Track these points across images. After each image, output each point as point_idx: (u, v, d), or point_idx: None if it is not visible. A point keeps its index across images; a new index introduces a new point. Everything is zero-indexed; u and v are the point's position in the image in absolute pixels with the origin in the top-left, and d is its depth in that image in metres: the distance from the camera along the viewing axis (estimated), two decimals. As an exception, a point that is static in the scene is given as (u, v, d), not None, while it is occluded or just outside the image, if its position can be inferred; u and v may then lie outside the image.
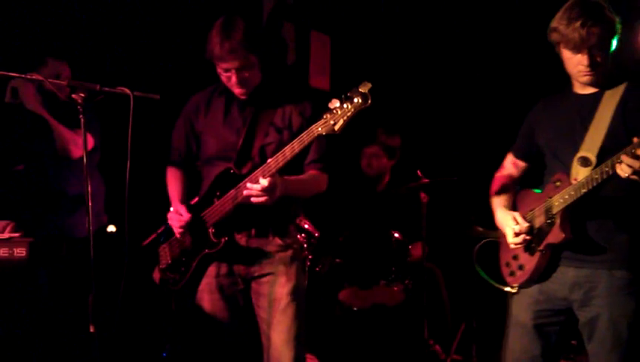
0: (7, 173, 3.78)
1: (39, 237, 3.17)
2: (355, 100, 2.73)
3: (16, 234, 3.17)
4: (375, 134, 5.21)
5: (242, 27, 3.03)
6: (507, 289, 2.97)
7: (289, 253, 3.19)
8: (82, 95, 2.78)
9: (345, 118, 2.75)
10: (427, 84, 5.90)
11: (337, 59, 6.00)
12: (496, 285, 3.02)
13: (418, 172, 4.79)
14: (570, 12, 2.70)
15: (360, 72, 5.48)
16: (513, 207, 3.02)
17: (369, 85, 2.74)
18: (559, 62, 2.82)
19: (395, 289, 4.71)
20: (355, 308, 4.77)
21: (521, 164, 3.12)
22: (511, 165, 3.14)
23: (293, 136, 2.96)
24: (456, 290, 5.14)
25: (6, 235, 3.16)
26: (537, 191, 2.96)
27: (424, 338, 4.68)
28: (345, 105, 2.74)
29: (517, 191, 3.07)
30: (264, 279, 3.17)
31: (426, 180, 4.73)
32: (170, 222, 3.22)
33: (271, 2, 5.66)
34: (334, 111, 2.77)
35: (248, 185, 2.95)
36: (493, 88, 5.65)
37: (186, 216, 3.15)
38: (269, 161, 2.97)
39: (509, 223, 2.89)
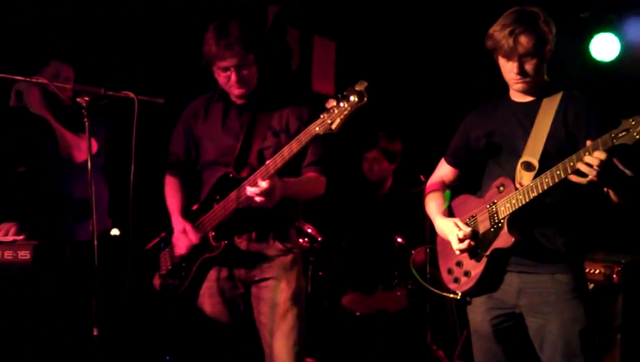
0: (10, 175, 3.79)
1: (44, 241, 3.17)
2: (352, 99, 2.73)
3: (20, 237, 3.18)
4: (376, 139, 5.21)
5: (237, 26, 3.05)
6: (451, 296, 2.96)
7: (289, 257, 3.20)
8: (87, 99, 2.79)
9: (342, 116, 2.76)
10: (430, 89, 5.90)
11: (342, 64, 6.01)
12: (437, 291, 3.04)
13: (421, 177, 4.79)
14: (505, 20, 2.75)
15: (365, 76, 5.50)
16: (450, 213, 3.03)
17: (365, 83, 2.74)
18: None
19: (398, 294, 4.70)
20: (358, 313, 4.77)
21: (454, 170, 3.13)
22: (443, 172, 3.16)
23: (291, 138, 2.97)
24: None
25: (10, 238, 3.16)
26: (475, 196, 2.96)
27: (427, 343, 4.67)
28: (342, 104, 2.75)
29: (453, 197, 3.08)
30: (264, 284, 3.17)
31: None
32: (176, 241, 3.21)
33: (275, 8, 5.67)
34: (331, 110, 2.77)
35: (248, 188, 2.95)
36: (497, 94, 5.65)
37: (194, 239, 3.15)
38: (267, 162, 2.98)
39: (452, 229, 2.88)
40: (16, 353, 3.36)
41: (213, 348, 3.22)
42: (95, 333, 2.74)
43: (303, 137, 2.88)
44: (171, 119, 3.45)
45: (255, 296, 3.20)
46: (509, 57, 2.75)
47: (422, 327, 4.69)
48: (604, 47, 5.11)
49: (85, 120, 2.80)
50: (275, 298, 3.15)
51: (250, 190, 2.94)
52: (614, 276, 4.19)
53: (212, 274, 3.21)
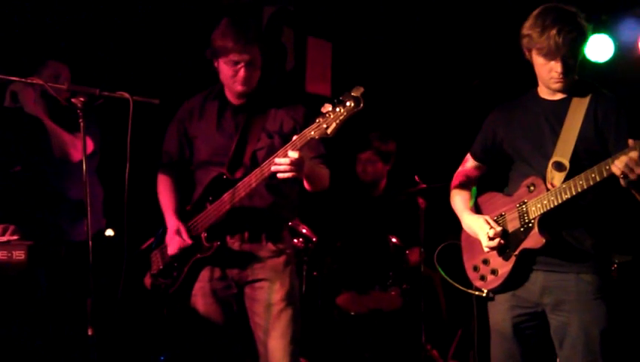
0: (6, 175, 3.78)
1: (38, 241, 3.17)
2: (348, 104, 2.74)
3: (15, 237, 3.18)
4: (369, 140, 5.21)
5: (254, 24, 3.07)
6: (476, 293, 2.96)
7: (282, 258, 3.20)
8: (82, 99, 2.79)
9: (337, 121, 2.76)
10: (426, 89, 5.92)
11: (338, 65, 6.02)
12: (463, 289, 3.02)
13: (416, 177, 4.80)
14: (544, 19, 2.72)
15: (360, 77, 5.51)
16: (477, 209, 3.02)
17: (361, 89, 2.75)
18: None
19: (393, 294, 4.71)
20: (352, 313, 4.78)
21: (480, 166, 3.12)
22: (469, 167, 3.14)
23: (285, 141, 2.97)
24: (453, 295, 5.15)
25: (5, 238, 3.16)
26: (503, 194, 2.95)
27: (421, 343, 4.68)
28: (337, 109, 2.76)
29: (480, 194, 3.07)
30: (258, 284, 3.17)
31: (424, 185, 4.74)
32: (169, 241, 3.21)
33: (271, 8, 5.68)
34: (327, 115, 2.78)
35: (277, 160, 2.90)
36: (492, 95, 5.66)
37: (187, 241, 3.14)
38: (262, 166, 2.97)
39: (483, 227, 2.88)
40: (11, 353, 3.36)
41: (207, 348, 3.22)
42: (90, 333, 2.74)
43: (299, 141, 2.88)
44: (167, 120, 3.45)
45: (249, 296, 3.20)
46: (550, 57, 2.72)
47: (416, 327, 4.70)
48: (598, 48, 5.13)
49: (80, 120, 2.80)
50: (270, 298, 3.15)
51: (279, 162, 2.88)
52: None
53: (205, 274, 3.21)
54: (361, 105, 2.73)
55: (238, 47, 3.04)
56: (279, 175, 2.91)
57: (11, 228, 3.29)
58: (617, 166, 2.52)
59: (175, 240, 3.17)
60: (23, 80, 2.98)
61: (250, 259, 3.17)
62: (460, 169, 3.16)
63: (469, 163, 3.14)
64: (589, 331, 2.73)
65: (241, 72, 3.09)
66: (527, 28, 2.77)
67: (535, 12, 2.78)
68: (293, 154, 2.86)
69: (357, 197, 5.26)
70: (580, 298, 2.74)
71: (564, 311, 2.77)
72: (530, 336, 2.88)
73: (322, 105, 2.82)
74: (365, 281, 4.76)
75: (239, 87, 3.15)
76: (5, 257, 2.94)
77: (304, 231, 4.61)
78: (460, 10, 5.49)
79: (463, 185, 3.10)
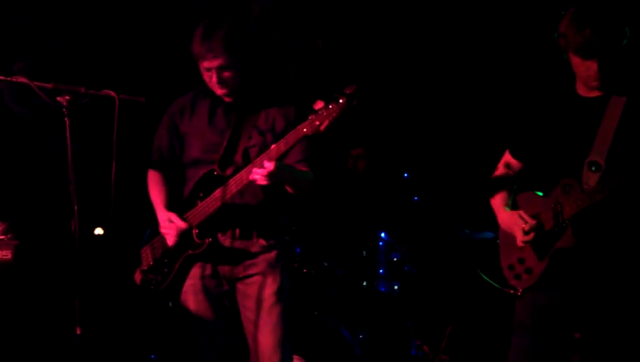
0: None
1: (26, 240, 3.16)
2: (341, 101, 2.74)
3: (2, 237, 3.17)
4: (361, 136, 5.21)
5: (226, 28, 3.05)
6: (511, 291, 2.94)
7: (273, 253, 3.21)
8: (67, 98, 2.78)
9: (330, 118, 2.77)
10: (418, 85, 5.92)
11: (327, 61, 6.01)
12: (500, 287, 2.99)
13: (404, 173, 4.81)
14: (580, 18, 2.67)
15: (350, 72, 5.52)
16: (515, 208, 3.00)
17: (354, 87, 2.75)
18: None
19: (383, 290, 4.72)
20: (342, 310, 4.78)
21: (518, 164, 3.08)
22: (508, 165, 3.11)
23: (277, 137, 2.98)
24: (444, 291, 5.16)
25: (-6, 237, 3.16)
26: (540, 193, 2.94)
27: (412, 339, 4.69)
28: (330, 107, 2.76)
29: (516, 193, 3.05)
30: (249, 280, 3.18)
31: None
32: (163, 231, 3.20)
33: (259, 4, 5.66)
34: (320, 112, 2.79)
35: (254, 169, 2.94)
36: (482, 90, 5.68)
37: (181, 224, 3.14)
38: (255, 161, 2.99)
39: (518, 222, 2.87)
40: (-1, 353, 3.35)
41: (199, 345, 3.22)
42: (78, 332, 2.73)
43: (291, 137, 2.89)
44: (153, 118, 3.45)
45: (241, 292, 3.21)
46: (586, 56, 2.68)
47: (406, 323, 4.71)
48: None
49: (66, 119, 2.79)
50: (261, 293, 3.15)
51: (257, 171, 2.93)
52: None
53: (196, 271, 3.21)
54: (354, 103, 2.74)
55: (203, 53, 3.05)
56: (256, 182, 2.95)
57: (3, 226, 3.29)
58: None
59: (170, 228, 3.16)
60: (8, 78, 2.96)
61: (242, 256, 3.18)
62: (499, 165, 3.13)
63: (507, 159, 3.11)
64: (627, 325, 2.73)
65: (214, 78, 3.10)
66: (563, 27, 2.72)
67: (571, 10, 2.73)
68: (269, 165, 2.89)
69: (347, 192, 5.27)
70: (612, 292, 2.74)
71: (596, 310, 2.77)
72: (554, 335, 2.86)
73: (311, 101, 2.82)
74: (355, 278, 4.76)
75: (218, 91, 3.17)
76: (-8, 256, 2.93)
77: (294, 228, 4.61)
78: (450, 5, 5.50)
79: (501, 182, 3.08)
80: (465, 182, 3.35)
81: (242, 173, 3.03)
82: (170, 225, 3.16)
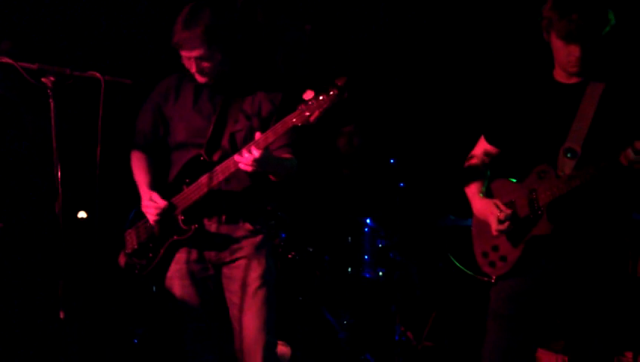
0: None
1: (8, 223, 3.14)
2: (331, 93, 2.73)
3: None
4: (352, 113, 5.15)
5: (207, 17, 3.00)
6: (485, 279, 2.95)
7: (259, 238, 3.20)
8: (52, 79, 2.75)
9: (320, 110, 2.76)
10: (407, 72, 5.91)
11: (316, 46, 5.99)
12: (472, 274, 3.02)
13: (390, 160, 4.81)
14: (566, 2, 2.66)
15: (339, 59, 5.51)
16: (489, 195, 3.00)
17: (345, 79, 2.74)
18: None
19: (368, 277, 4.73)
20: (327, 296, 4.79)
21: (494, 149, 3.07)
22: (483, 151, 3.10)
23: (263, 122, 2.96)
24: (428, 278, 5.18)
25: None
26: (513, 180, 2.93)
27: (396, 325, 4.71)
28: (321, 98, 2.75)
29: (491, 180, 3.05)
30: (235, 264, 3.18)
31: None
32: (144, 210, 3.19)
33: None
34: (310, 103, 2.77)
35: (236, 157, 2.93)
36: (468, 77, 5.68)
37: (161, 203, 3.12)
38: (242, 151, 2.96)
39: (493, 210, 2.87)
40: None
41: (184, 329, 3.22)
42: (62, 316, 2.72)
43: (280, 127, 2.88)
44: (139, 100, 3.42)
45: (226, 276, 3.21)
46: (569, 41, 2.67)
47: (390, 309, 4.73)
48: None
49: (51, 100, 2.76)
50: (246, 277, 3.15)
51: (240, 159, 2.92)
52: None
53: (181, 256, 3.20)
54: (345, 95, 2.73)
55: (182, 43, 3.02)
56: (241, 168, 2.93)
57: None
58: (626, 157, 2.52)
59: (150, 207, 3.14)
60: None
61: (228, 241, 3.17)
62: (474, 151, 3.12)
63: (482, 145, 3.10)
64: (603, 311, 2.75)
65: (193, 67, 3.08)
66: (547, 10, 2.72)
67: None
68: (255, 152, 2.87)
69: (331, 178, 5.25)
70: (588, 284, 2.76)
71: (572, 296, 2.78)
72: (530, 323, 2.87)
73: (298, 86, 2.80)
74: (340, 264, 4.77)
75: (198, 79, 3.14)
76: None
77: (279, 213, 4.60)
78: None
79: (476, 169, 3.07)
80: (451, 169, 3.34)
81: (229, 161, 3.01)
82: (150, 204, 3.14)
